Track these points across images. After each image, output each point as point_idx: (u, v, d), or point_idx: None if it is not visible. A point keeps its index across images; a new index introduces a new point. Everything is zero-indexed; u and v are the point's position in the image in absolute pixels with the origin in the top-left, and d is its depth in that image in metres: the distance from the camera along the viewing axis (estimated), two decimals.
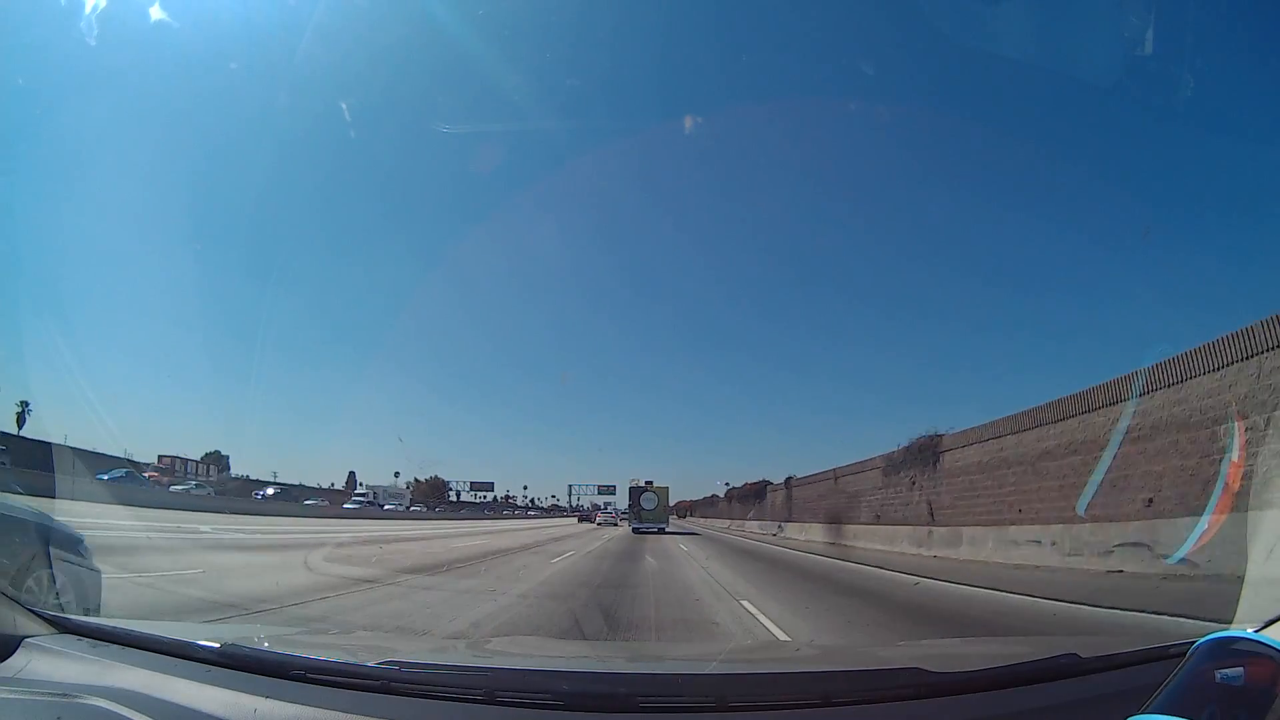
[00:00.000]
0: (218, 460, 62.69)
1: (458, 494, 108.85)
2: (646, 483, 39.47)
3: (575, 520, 66.65)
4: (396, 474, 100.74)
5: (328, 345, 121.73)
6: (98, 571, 4.47)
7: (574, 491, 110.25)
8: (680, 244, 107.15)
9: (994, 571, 11.32)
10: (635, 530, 34.27)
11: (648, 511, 36.42)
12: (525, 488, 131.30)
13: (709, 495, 75.57)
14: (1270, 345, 8.33)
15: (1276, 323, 8.32)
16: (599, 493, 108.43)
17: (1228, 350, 9.28)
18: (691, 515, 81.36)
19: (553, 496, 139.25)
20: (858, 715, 1.52)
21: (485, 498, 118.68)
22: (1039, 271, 65.42)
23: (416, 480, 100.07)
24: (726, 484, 61.30)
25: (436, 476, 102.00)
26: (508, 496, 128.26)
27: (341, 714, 1.44)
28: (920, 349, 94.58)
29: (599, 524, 50.93)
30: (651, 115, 66.33)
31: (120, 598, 5.63)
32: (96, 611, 4.25)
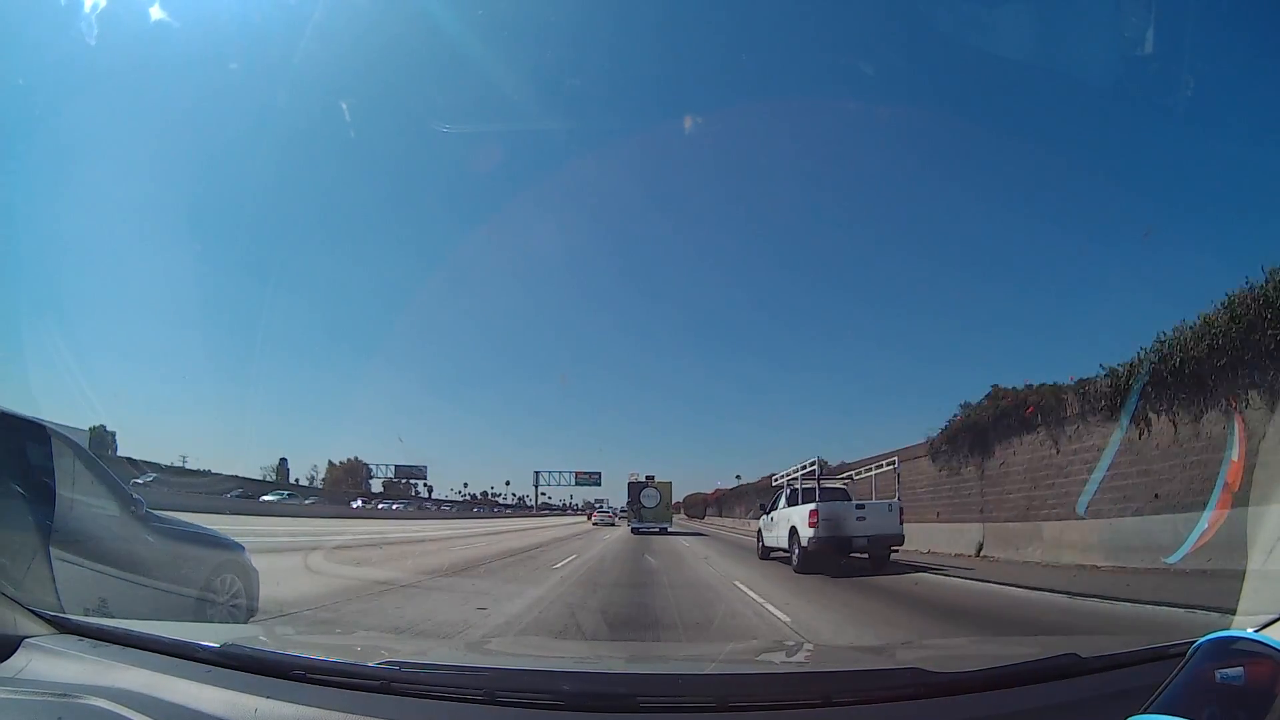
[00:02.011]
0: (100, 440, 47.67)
1: (440, 486, 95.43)
2: (648, 478, 35.77)
3: (586, 519, 58.00)
4: (330, 461, 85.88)
5: (322, 342, 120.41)
6: (256, 570, 5.35)
7: (544, 481, 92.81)
8: (680, 241, 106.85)
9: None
10: (635, 530, 31.37)
11: (649, 510, 33.69)
12: (508, 483, 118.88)
13: (745, 483, 46.25)
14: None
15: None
16: (577, 482, 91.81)
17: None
18: (718, 514, 55.79)
19: (544, 495, 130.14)
20: (858, 715, 1.52)
21: (420, 489, 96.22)
22: (1039, 271, 65.40)
23: (331, 463, 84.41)
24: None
25: (356, 459, 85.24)
26: (486, 494, 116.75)
27: (341, 714, 1.44)
28: (921, 346, 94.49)
29: (595, 524, 47.48)
30: (651, 115, 66.33)
31: None
32: (256, 601, 5.24)
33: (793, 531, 12.20)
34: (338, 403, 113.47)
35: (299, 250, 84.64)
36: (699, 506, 63.03)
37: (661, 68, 60.78)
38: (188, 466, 52.10)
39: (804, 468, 14.00)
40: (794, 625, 6.48)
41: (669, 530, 32.05)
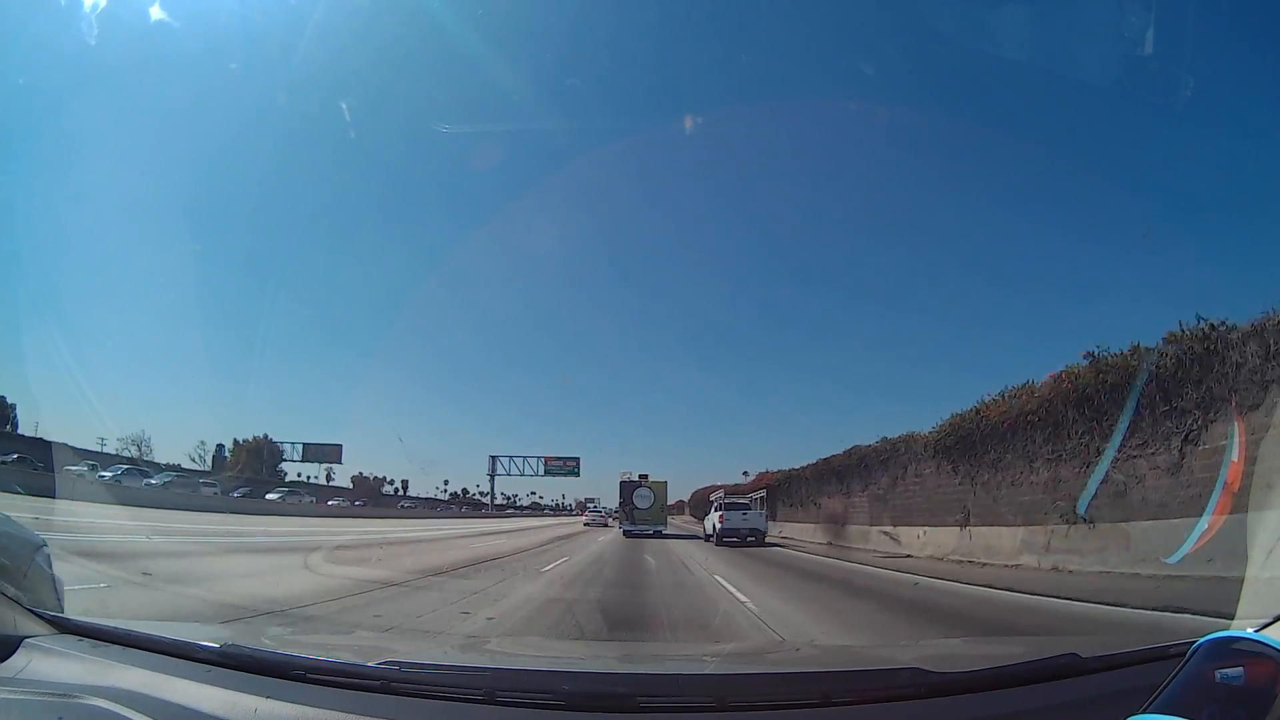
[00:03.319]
0: None
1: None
2: (640, 476, 32.91)
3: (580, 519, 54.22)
4: (219, 445, 68.40)
5: (322, 341, 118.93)
6: (58, 581, 3.89)
7: (503, 469, 74.76)
8: (679, 239, 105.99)
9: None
10: (627, 533, 29.40)
11: (642, 511, 31.03)
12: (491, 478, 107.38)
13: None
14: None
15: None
16: (548, 470, 74.64)
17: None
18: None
19: (532, 493, 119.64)
20: (858, 715, 1.52)
21: (397, 487, 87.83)
22: (1039, 271, 65.38)
23: (236, 442, 67.88)
24: None
25: (265, 437, 68.36)
26: (466, 493, 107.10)
27: (341, 714, 1.45)
28: (920, 346, 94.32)
29: (586, 524, 45.09)
30: (651, 115, 66.34)
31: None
32: None
33: (713, 525, 24.02)
34: (332, 401, 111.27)
35: (293, 246, 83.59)
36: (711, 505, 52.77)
37: (661, 68, 60.93)
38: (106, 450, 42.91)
39: (723, 491, 29.95)
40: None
41: (664, 533, 30.51)
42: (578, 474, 76.67)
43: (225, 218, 75.99)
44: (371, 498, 76.25)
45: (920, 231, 78.49)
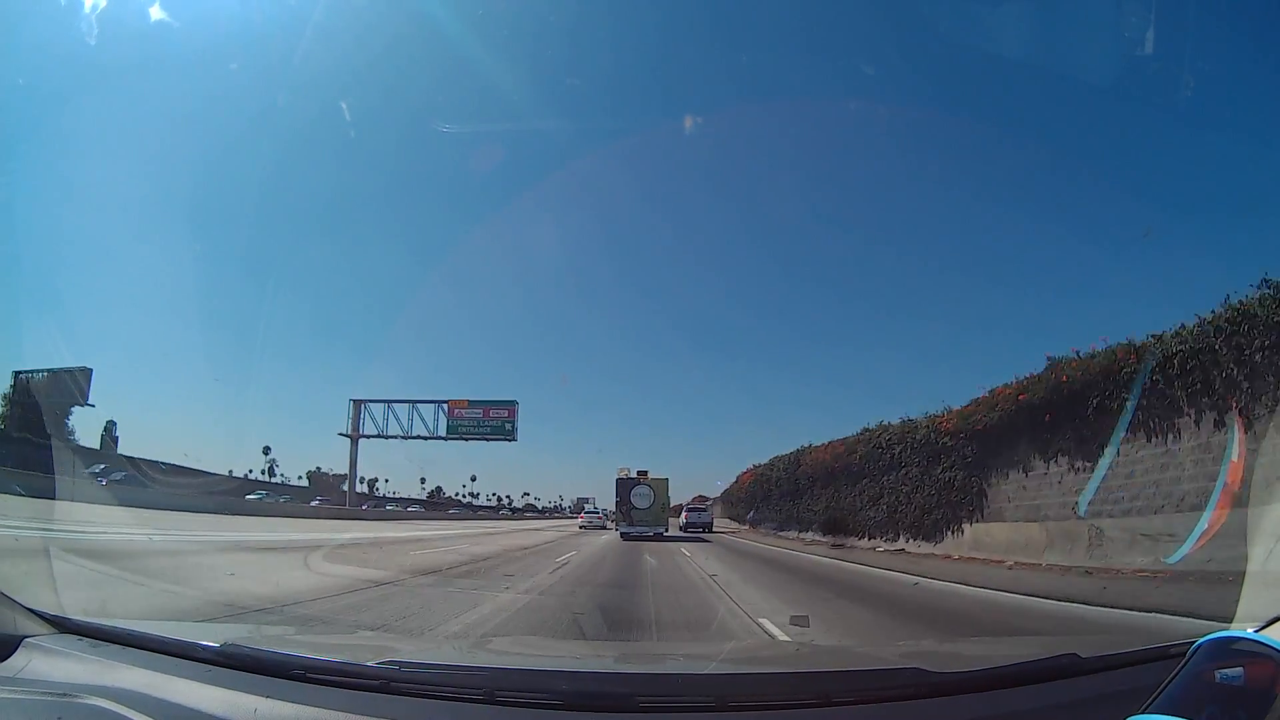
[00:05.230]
0: None
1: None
2: (639, 473, 29.73)
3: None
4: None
5: (322, 342, 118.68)
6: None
7: (378, 422, 47.35)
8: (679, 238, 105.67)
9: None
10: (624, 536, 26.79)
11: (640, 511, 28.17)
12: (474, 478, 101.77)
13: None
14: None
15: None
16: (450, 426, 47.60)
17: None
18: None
19: (525, 494, 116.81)
20: (858, 715, 1.52)
21: (379, 488, 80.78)
22: (1040, 271, 65.30)
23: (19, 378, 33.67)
24: None
25: (80, 370, 36.22)
26: (441, 491, 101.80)
27: (341, 714, 1.45)
28: (919, 346, 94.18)
29: (582, 527, 42.10)
30: (650, 114, 66.36)
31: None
32: None
33: (683, 520, 36.76)
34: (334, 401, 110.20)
35: (295, 245, 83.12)
36: (742, 504, 38.92)
37: (661, 68, 60.97)
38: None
39: (692, 500, 49.25)
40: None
41: (665, 535, 27.76)
42: (513, 436, 47.96)
43: (223, 216, 75.84)
44: (333, 497, 58.77)
45: (918, 230, 78.49)
